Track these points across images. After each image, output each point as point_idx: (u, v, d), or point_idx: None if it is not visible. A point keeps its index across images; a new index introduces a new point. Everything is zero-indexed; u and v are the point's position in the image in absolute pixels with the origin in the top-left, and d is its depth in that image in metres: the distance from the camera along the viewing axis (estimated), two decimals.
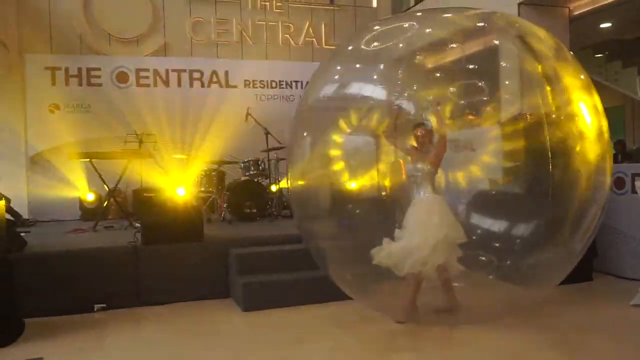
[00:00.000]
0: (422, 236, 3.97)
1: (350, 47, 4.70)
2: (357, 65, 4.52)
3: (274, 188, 7.86)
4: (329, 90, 4.54)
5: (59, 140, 8.65)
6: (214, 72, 9.62)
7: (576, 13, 7.68)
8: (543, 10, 7.36)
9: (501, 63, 4.21)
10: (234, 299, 5.21)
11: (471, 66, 4.20)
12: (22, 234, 5.35)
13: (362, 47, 4.25)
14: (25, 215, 8.05)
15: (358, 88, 4.48)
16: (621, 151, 10.54)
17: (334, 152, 4.51)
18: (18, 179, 8.55)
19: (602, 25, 10.91)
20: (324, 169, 4.50)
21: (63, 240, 5.94)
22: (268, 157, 7.89)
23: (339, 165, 4.52)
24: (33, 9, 8.93)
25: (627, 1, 7.24)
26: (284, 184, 7.54)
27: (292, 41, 10.24)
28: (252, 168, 7.77)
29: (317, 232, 4.49)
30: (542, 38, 4.08)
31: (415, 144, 4.24)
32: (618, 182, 5.86)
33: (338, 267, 4.36)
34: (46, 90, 8.77)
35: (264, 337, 4.23)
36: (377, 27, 4.46)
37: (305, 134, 4.57)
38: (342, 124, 4.46)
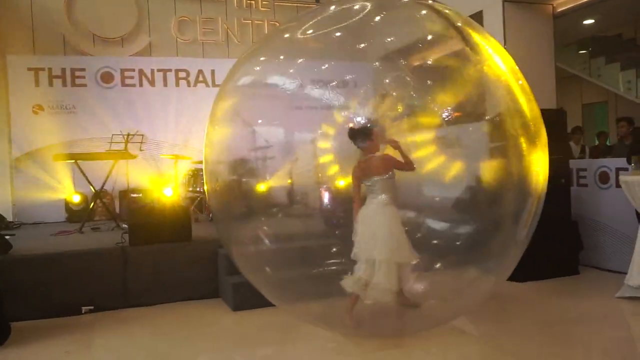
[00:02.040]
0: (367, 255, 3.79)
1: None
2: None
3: (261, 187, 7.83)
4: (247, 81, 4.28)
5: (43, 142, 8.53)
6: (200, 72, 9.54)
7: (560, 10, 7.76)
8: (527, 7, 7.43)
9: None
10: (223, 299, 5.19)
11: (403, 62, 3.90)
12: (6, 237, 5.28)
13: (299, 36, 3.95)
14: (9, 218, 7.95)
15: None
16: (603, 143, 10.68)
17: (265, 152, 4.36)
18: (2, 182, 8.44)
19: (585, 22, 11.06)
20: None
21: (49, 243, 5.87)
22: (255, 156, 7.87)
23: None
24: (14, 10, 8.78)
25: None
26: (272, 183, 7.51)
27: None
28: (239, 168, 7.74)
29: (239, 235, 4.26)
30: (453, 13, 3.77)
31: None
32: (602, 177, 5.94)
33: (257, 271, 4.10)
34: (29, 92, 8.61)
35: (254, 336, 4.22)
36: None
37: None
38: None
